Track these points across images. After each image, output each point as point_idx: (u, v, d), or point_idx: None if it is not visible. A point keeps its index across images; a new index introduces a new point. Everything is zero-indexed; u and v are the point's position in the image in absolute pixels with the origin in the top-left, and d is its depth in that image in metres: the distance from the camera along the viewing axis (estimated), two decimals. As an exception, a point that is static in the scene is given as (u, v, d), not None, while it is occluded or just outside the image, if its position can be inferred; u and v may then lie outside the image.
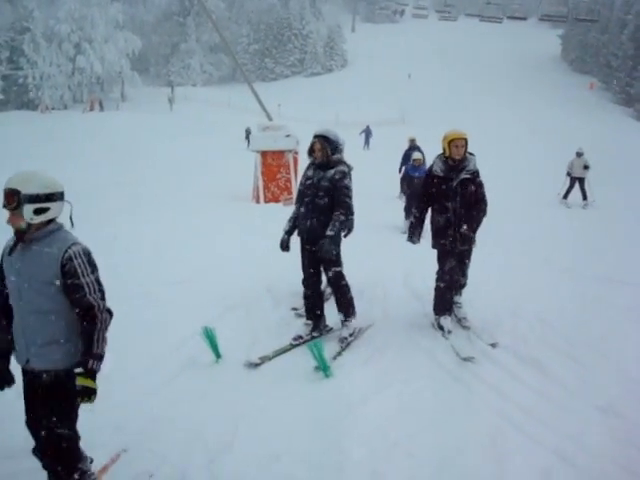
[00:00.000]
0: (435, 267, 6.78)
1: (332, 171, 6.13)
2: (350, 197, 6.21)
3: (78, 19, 62.90)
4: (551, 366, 5.58)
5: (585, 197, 18.36)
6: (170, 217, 14.14)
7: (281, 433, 4.45)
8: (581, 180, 18.50)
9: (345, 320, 6.39)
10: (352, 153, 28.02)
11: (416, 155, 13.78)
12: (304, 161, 6.95)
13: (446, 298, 6.66)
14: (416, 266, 8.72)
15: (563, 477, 3.92)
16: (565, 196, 18.50)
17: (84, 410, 3.46)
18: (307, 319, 6.52)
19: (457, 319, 6.90)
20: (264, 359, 5.77)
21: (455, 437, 4.36)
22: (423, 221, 6.76)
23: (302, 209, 6.31)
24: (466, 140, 6.37)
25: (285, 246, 6.42)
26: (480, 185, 6.46)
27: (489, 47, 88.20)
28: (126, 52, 66.17)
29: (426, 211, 6.71)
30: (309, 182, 6.27)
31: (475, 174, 6.42)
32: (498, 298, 7.86)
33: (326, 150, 6.15)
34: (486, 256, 10.08)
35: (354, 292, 6.51)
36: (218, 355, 5.77)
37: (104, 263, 3.98)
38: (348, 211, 6.17)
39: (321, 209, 6.13)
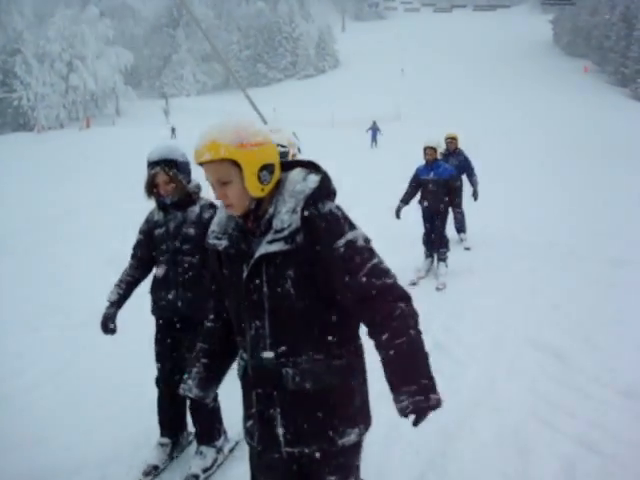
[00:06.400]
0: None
1: (196, 209, 3.98)
2: None
3: (68, 37, 63.18)
4: (568, 352, 5.49)
5: None
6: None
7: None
8: None
9: (205, 444, 4.18)
10: (358, 154, 27.70)
11: (429, 141, 8.83)
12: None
13: None
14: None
15: (588, 465, 3.80)
16: None
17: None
18: (162, 436, 4.26)
19: None
20: None
21: (477, 433, 4.26)
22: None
23: (158, 273, 4.09)
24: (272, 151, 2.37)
25: (110, 326, 3.98)
26: (358, 260, 2.21)
27: (480, 37, 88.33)
28: (118, 67, 66.48)
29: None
30: (160, 231, 4.02)
31: (311, 238, 2.21)
32: (507, 282, 7.89)
33: (179, 180, 3.88)
34: (490, 243, 10.06)
35: None
36: None
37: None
38: None
39: (189, 269, 3.96)
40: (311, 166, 2.42)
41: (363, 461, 4.01)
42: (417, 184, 8.84)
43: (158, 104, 61.20)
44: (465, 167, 10.63)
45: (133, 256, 4.17)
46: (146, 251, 4.11)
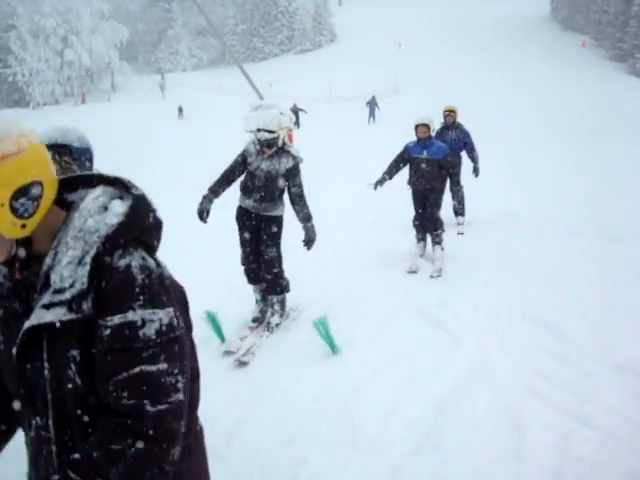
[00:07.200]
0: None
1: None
2: None
3: (63, 12, 62.48)
4: (564, 327, 5.49)
5: None
6: (168, 202, 13.98)
7: (291, 415, 4.33)
8: None
9: None
10: (356, 130, 27.34)
11: (421, 118, 8.04)
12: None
13: None
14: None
15: (583, 440, 3.81)
16: None
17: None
18: None
19: None
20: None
21: (472, 407, 4.25)
22: None
23: None
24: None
25: None
26: (125, 357, 1.39)
27: (477, 12, 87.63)
28: (114, 42, 65.74)
29: None
30: None
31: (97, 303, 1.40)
32: (503, 258, 7.88)
33: (72, 170, 2.99)
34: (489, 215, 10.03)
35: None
36: (223, 339, 5.65)
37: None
38: None
39: None
40: (119, 184, 1.57)
41: (358, 436, 4.01)
42: (405, 161, 8.12)
43: (154, 79, 60.82)
44: (465, 142, 9.96)
45: None
46: None
